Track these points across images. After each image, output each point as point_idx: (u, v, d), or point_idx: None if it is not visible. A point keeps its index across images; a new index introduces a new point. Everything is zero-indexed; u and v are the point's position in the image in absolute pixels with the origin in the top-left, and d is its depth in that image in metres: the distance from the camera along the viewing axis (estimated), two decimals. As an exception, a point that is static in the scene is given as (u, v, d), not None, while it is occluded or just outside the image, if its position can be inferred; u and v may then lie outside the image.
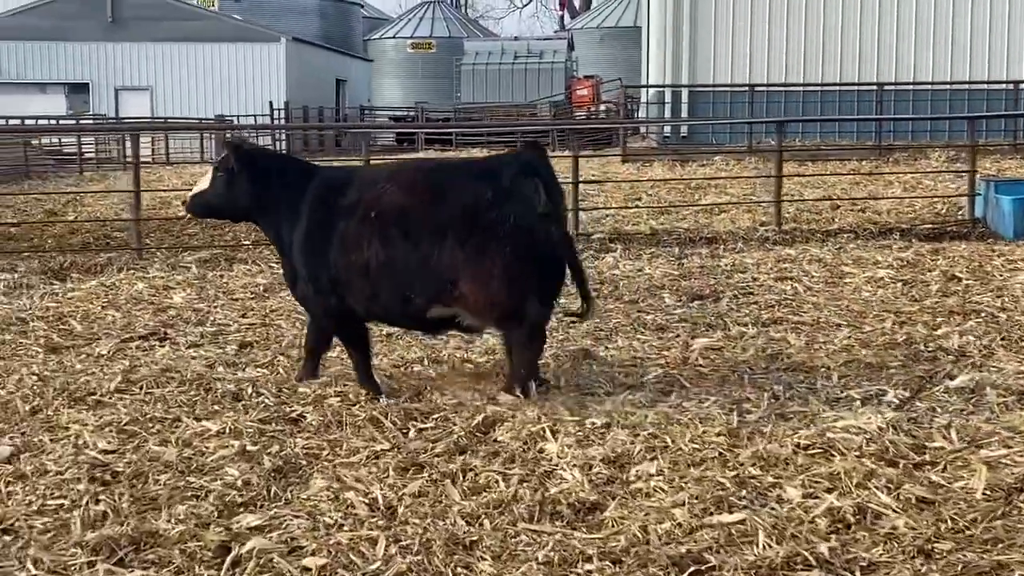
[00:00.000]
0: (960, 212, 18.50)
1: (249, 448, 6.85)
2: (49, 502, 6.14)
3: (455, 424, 7.22)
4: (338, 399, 7.96)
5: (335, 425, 7.39)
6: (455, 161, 9.24)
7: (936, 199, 19.56)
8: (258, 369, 9.05)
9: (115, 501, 6.09)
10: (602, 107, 56.86)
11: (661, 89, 29.69)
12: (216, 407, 7.84)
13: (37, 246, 17.32)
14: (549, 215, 7.79)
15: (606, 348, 9.64)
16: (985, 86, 29.62)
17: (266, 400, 8.00)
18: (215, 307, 12.05)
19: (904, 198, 19.65)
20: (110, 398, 8.21)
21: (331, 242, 8.06)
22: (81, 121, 42.21)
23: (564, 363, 8.97)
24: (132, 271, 14.36)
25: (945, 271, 13.27)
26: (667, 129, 28.70)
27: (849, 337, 9.80)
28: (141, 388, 8.41)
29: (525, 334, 7.79)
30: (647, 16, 35.68)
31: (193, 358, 9.52)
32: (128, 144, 37.27)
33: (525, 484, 6.10)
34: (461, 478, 6.25)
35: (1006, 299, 11.50)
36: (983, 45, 29.99)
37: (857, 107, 29.36)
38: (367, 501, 5.97)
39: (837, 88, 29.70)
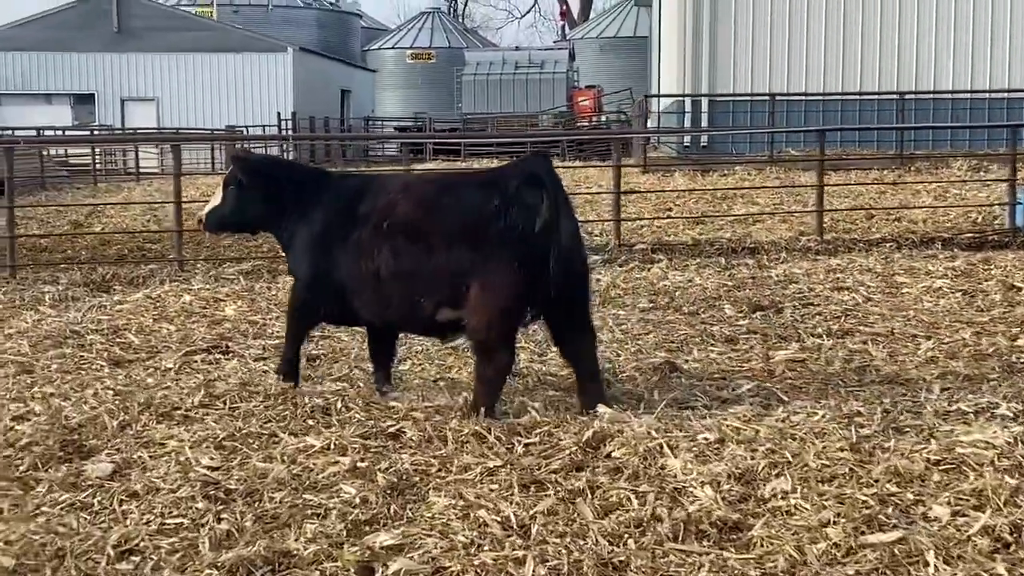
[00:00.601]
0: (997, 221, 18.42)
1: (359, 465, 6.68)
2: (168, 521, 5.97)
3: (563, 439, 7.05)
4: (424, 414, 7.80)
5: (437, 440, 7.22)
6: (462, 172, 9.08)
7: (971, 208, 19.40)
8: (337, 383, 8.87)
9: (237, 520, 5.93)
10: (606, 117, 56.86)
11: (680, 99, 29.53)
12: (309, 422, 7.68)
13: (71, 257, 17.15)
14: (551, 225, 7.57)
15: (685, 360, 9.47)
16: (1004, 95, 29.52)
17: (357, 415, 7.83)
18: (269, 319, 11.89)
19: (942, 207, 19.48)
20: (195, 413, 8.04)
21: (341, 249, 8.02)
22: (94, 132, 41.97)
23: (651, 376, 8.82)
24: (176, 283, 14.21)
25: (1002, 281, 13.14)
26: (687, 139, 28.54)
27: (932, 349, 9.66)
28: (225, 403, 8.24)
29: (492, 370, 7.67)
30: (659, 26, 35.60)
31: (264, 371, 9.36)
32: (140, 154, 37.36)
33: (659, 502, 5.93)
34: (590, 496, 6.08)
35: (1074, 309, 11.40)
36: (1003, 53, 29.89)
37: (877, 116, 29.25)
38: (499, 519, 5.81)
39: (857, 97, 29.58)
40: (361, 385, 8.81)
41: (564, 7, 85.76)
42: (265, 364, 9.70)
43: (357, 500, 6.20)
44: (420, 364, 9.73)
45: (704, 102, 29.31)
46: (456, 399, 8.05)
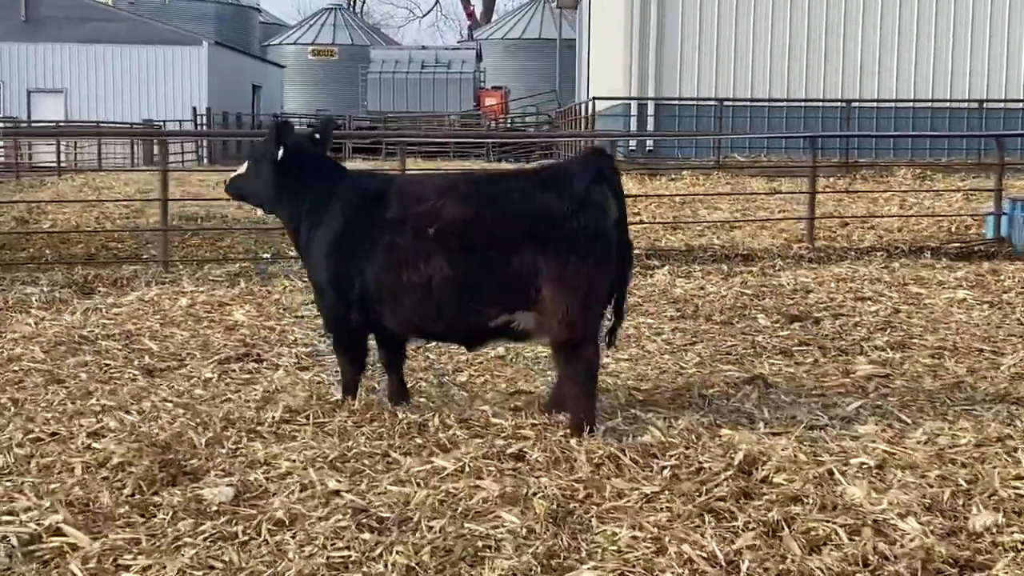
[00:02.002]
0: (970, 231, 18.38)
1: (508, 490, 6.18)
2: (334, 555, 5.44)
3: (706, 462, 6.62)
4: (533, 431, 7.36)
5: (565, 461, 6.76)
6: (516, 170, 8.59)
7: (945, 218, 19.35)
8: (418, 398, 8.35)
9: (413, 554, 5.41)
10: (524, 119, 56.63)
11: (625, 102, 29.25)
12: (419, 440, 7.17)
13: (36, 257, 16.35)
14: (619, 221, 7.38)
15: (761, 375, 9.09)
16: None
17: (458, 432, 7.35)
18: (284, 325, 11.34)
19: (932, 216, 19.35)
20: (282, 429, 7.51)
21: (368, 256, 7.55)
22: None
23: (749, 392, 8.40)
24: (164, 285, 13.55)
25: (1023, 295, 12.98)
26: (632, 142, 28.26)
27: (1015, 365, 9.38)
28: (308, 419, 7.71)
29: (584, 370, 7.30)
30: (587, 28, 35.31)
31: (317, 382, 8.83)
32: (45, 149, 36.12)
33: (878, 538, 5.51)
34: (786, 528, 5.65)
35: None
36: (946, 63, 30.08)
37: (822, 124, 29.23)
38: (704, 555, 5.35)
39: (803, 104, 29.56)
40: (435, 393, 8.32)
41: (471, 7, 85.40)
42: (314, 375, 9.14)
43: (523, 531, 5.71)
44: (480, 375, 9.24)
45: (650, 106, 29.05)
46: (558, 415, 7.60)
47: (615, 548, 5.54)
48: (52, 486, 6.39)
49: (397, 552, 5.42)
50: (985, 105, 29.34)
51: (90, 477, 6.56)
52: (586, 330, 7.34)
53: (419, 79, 64.28)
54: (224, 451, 7.05)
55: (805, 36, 29.90)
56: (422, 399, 8.28)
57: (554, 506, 5.99)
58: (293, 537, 5.62)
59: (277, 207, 8.17)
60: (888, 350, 10.03)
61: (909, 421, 7.62)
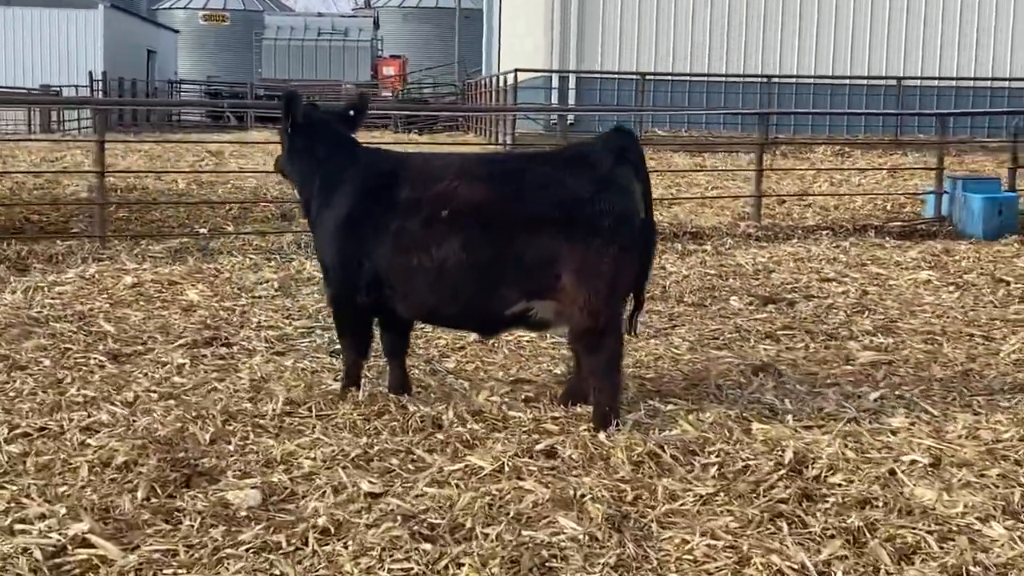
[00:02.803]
0: (904, 210, 18.36)
1: (559, 493, 5.81)
2: (394, 567, 5.03)
3: (751, 459, 6.31)
4: (557, 425, 7.01)
5: (601, 459, 6.41)
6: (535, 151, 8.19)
7: (879, 197, 19.30)
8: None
9: (481, 566, 5.02)
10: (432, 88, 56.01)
11: (546, 75, 28.88)
12: (439, 436, 6.78)
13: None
14: (644, 204, 7.05)
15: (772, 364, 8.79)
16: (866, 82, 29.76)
17: (473, 425, 6.98)
18: (244, 306, 10.82)
19: (879, 195, 19.24)
20: (287, 423, 7.08)
21: (381, 237, 7.14)
22: None
23: (764, 381, 8.11)
24: (103, 262, 12.94)
25: (985, 274, 12.90)
26: (554, 115, 27.85)
27: (1015, 351, 9.21)
28: (311, 410, 7.27)
29: (607, 360, 6.96)
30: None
31: (302, 369, 8.40)
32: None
33: (968, 545, 5.24)
34: (868, 535, 5.35)
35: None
36: (864, 39, 30.12)
37: (742, 99, 29.12)
38: (795, 566, 5.03)
39: (724, 79, 29.41)
40: (433, 384, 7.93)
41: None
42: (295, 361, 8.69)
43: (585, 538, 5.35)
44: (468, 361, 8.86)
45: (571, 78, 28.69)
46: (574, 407, 7.27)
47: (690, 558, 5.20)
48: (60, 489, 5.89)
49: (464, 564, 5.03)
50: (902, 83, 29.44)
51: (97, 478, 6.07)
52: (610, 319, 6.99)
53: (315, 47, 63.44)
54: (231, 448, 6.61)
55: (726, 10, 29.75)
56: (419, 389, 7.87)
57: (611, 510, 5.63)
58: (345, 547, 5.20)
59: (295, 183, 7.75)
60: (876, 335, 9.83)
61: (937, 413, 7.38)
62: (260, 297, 11.32)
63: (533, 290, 6.98)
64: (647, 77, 27.80)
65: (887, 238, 15.85)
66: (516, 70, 27.29)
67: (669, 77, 28.95)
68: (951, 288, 12.22)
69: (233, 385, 7.95)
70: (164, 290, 11.51)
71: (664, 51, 29.42)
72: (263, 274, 12.33)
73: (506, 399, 7.53)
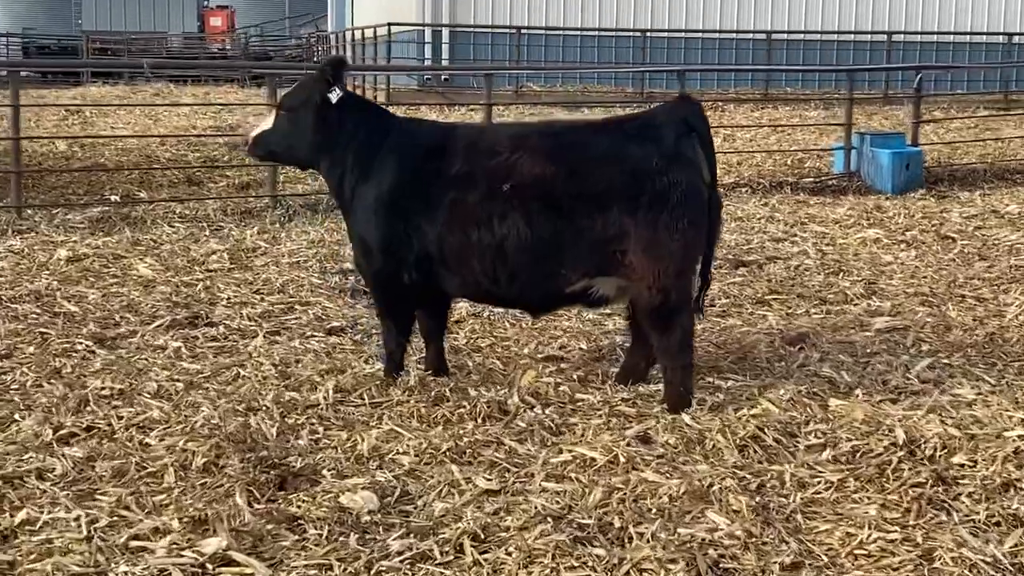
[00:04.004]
0: (805, 165, 18.41)
1: (694, 484, 5.54)
2: (570, 576, 4.71)
3: (855, 440, 6.12)
4: (634, 408, 6.75)
5: (698, 445, 6.16)
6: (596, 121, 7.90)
7: (785, 152, 19.34)
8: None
9: (664, 572, 4.73)
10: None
11: (419, 28, 28.32)
12: (521, 424, 6.45)
13: None
14: (710, 176, 6.86)
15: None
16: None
17: (542, 412, 6.67)
18: (204, 281, 10.28)
19: (787, 151, 19.19)
20: (346, 412, 6.70)
21: (432, 214, 6.78)
22: None
23: (797, 353, 7.92)
24: (26, 233, 12.23)
25: (927, 231, 12.99)
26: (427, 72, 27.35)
27: (1021, 312, 9.19)
28: (363, 398, 6.92)
29: (678, 339, 6.76)
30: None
31: (326, 352, 8.01)
32: None
33: None
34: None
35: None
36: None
37: (615, 53, 28.96)
38: (986, 559, 4.84)
39: (597, 33, 29.19)
40: (468, 366, 7.60)
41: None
42: (293, 342, 8.29)
43: (742, 534, 5.10)
44: (479, 337, 8.53)
45: (444, 32, 28.19)
46: (635, 386, 7.02)
47: (863, 552, 4.98)
48: (156, 498, 5.41)
49: (645, 569, 4.73)
50: (772, 36, 29.63)
51: (187, 483, 5.60)
52: (681, 297, 6.73)
53: (138, -5, 61.46)
54: (304, 443, 6.18)
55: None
56: (454, 369, 7.52)
57: (752, 501, 5.38)
58: (508, 554, 4.86)
59: (320, 159, 7.19)
60: (870, 298, 9.76)
61: (993, 382, 7.30)
62: (215, 270, 10.78)
63: (596, 267, 6.70)
64: (522, 31, 27.46)
65: (801, 194, 15.88)
66: (389, 24, 26.71)
67: (543, 31, 28.64)
68: (902, 246, 12.23)
69: (258, 372, 7.49)
70: (110, 264, 10.90)
71: (537, 4, 29.06)
72: (209, 245, 11.75)
73: (556, 379, 7.22)
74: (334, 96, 7.03)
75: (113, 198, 14.45)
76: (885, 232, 12.93)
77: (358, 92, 27.60)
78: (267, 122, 7.39)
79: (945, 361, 7.75)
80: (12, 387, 7.25)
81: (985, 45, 30.42)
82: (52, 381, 7.31)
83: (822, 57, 29.73)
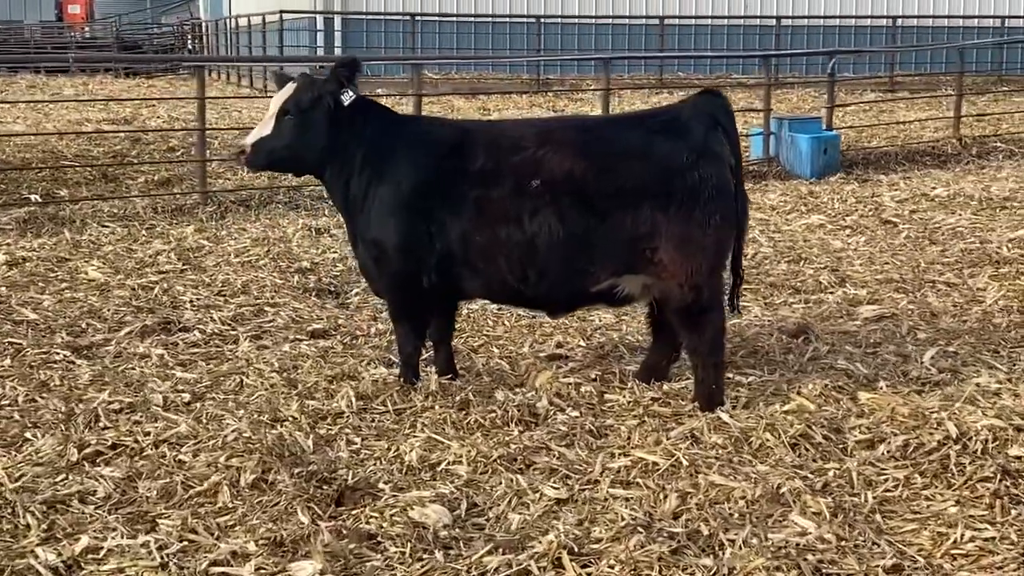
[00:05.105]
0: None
1: (767, 486, 5.45)
2: (683, 592, 4.58)
3: (903, 435, 6.08)
4: (669, 408, 6.67)
5: (747, 444, 6.07)
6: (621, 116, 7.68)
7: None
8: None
9: (776, 581, 4.63)
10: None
11: (311, 15, 27.85)
12: (559, 428, 6.32)
13: None
14: (738, 171, 6.80)
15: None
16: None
17: (573, 413, 6.54)
18: (158, 283, 9.94)
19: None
20: (372, 421, 6.49)
21: (455, 213, 6.61)
22: None
23: (803, 345, 7.88)
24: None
25: (867, 216, 13.09)
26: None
27: (997, 297, 9.24)
28: (385, 405, 6.70)
29: (710, 337, 6.70)
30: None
31: (321, 356, 7.77)
32: None
33: None
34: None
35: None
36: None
37: (510, 40, 28.79)
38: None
39: (491, 19, 28.99)
40: (477, 367, 7.43)
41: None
42: (282, 347, 8.05)
43: (832, 537, 5.02)
44: (471, 336, 8.34)
45: (337, 20, 27.73)
46: (657, 384, 6.93)
47: (961, 552, 4.93)
48: (220, 519, 5.16)
49: (753, 578, 4.63)
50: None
51: (243, 503, 5.35)
52: (713, 294, 6.64)
53: (-13, -17, 59.72)
54: (344, 455, 5.96)
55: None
56: (462, 371, 7.35)
57: (832, 504, 5.30)
58: (611, 568, 4.70)
59: (329, 164, 6.89)
60: (843, 286, 9.76)
61: (1006, 369, 7.33)
62: (166, 272, 10.43)
63: (626, 265, 6.57)
64: (416, 18, 27.17)
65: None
66: (281, 11, 26.23)
67: (437, 18, 28.37)
68: (847, 232, 12.30)
69: (262, 379, 7.24)
70: (55, 268, 10.50)
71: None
72: (153, 246, 11.38)
73: (574, 380, 7.09)
74: (347, 98, 6.76)
75: (34, 198, 13.91)
76: (827, 218, 13.01)
77: (243, 83, 27.05)
78: (265, 128, 6.91)
79: (950, 349, 7.76)
80: (3, 402, 6.90)
81: (870, 28, 30.87)
82: (44, 395, 6.98)
83: (712, 42, 29.86)
